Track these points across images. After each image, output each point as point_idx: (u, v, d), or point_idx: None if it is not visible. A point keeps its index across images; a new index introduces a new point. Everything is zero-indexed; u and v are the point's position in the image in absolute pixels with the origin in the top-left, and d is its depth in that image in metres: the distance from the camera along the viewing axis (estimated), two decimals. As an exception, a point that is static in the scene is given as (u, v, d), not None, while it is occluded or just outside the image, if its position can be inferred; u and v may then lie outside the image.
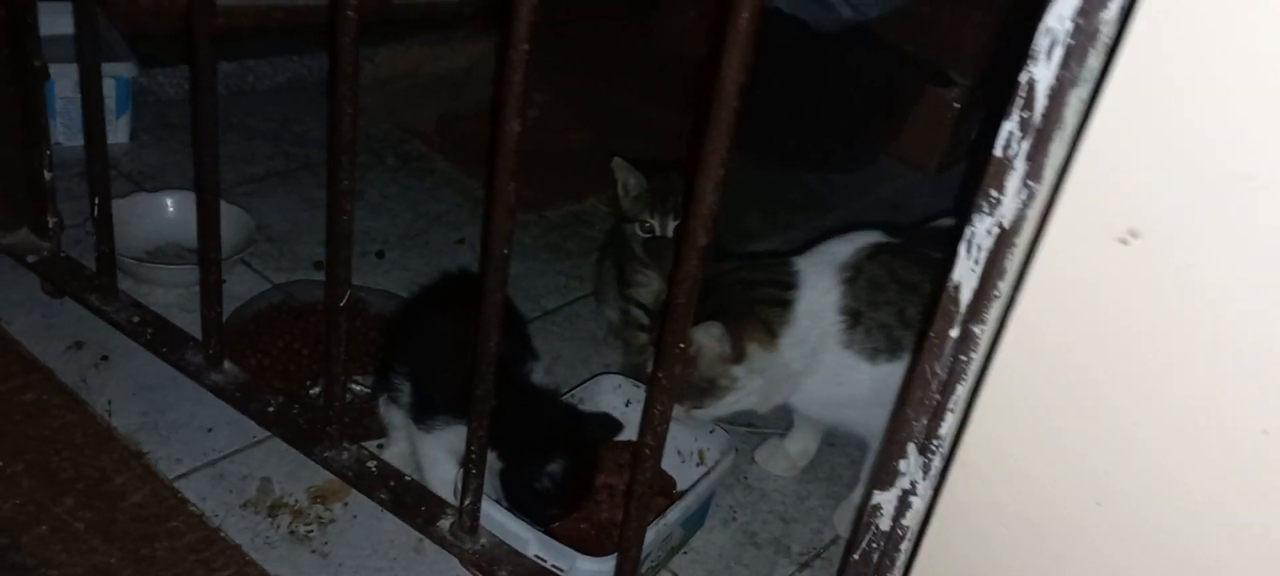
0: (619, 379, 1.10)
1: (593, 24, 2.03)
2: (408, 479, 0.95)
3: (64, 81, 1.36)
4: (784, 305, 0.97)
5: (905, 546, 0.66)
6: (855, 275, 0.97)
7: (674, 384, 0.78)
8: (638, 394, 1.08)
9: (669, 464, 1.06)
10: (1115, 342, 0.53)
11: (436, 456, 0.96)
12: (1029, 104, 0.54)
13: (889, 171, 1.88)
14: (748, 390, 0.96)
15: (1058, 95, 0.53)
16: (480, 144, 1.67)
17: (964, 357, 0.60)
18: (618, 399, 1.09)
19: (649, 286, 1.20)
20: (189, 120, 1.58)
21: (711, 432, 1.05)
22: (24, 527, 0.91)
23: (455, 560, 0.94)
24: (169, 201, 1.29)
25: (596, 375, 1.11)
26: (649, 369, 1.20)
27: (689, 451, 1.07)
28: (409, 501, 0.93)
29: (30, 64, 1.06)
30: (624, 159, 1.19)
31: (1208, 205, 0.47)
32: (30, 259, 1.13)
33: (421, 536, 0.94)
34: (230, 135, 1.56)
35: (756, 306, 0.97)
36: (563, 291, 1.38)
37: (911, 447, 0.64)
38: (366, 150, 1.60)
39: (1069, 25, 0.51)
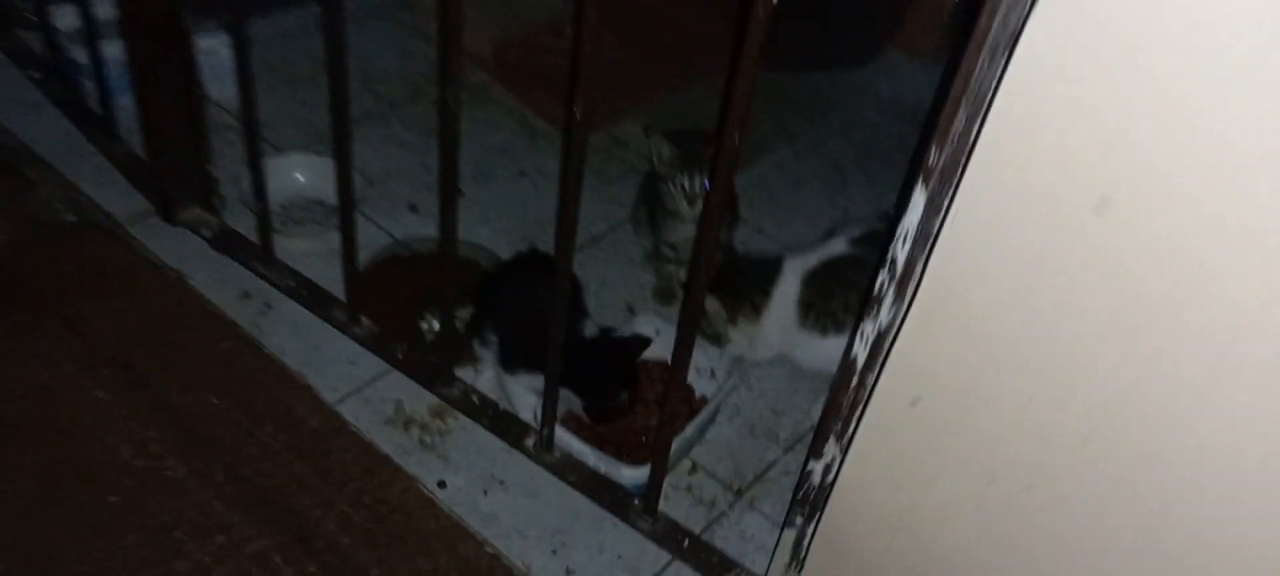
0: (650, 317, 1.46)
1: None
2: (502, 408, 1.33)
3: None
4: (766, 294, 1.33)
5: (829, 493, 1.03)
6: (811, 278, 1.33)
7: (693, 332, 1.11)
8: (665, 325, 1.44)
9: (690, 377, 1.43)
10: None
11: (519, 391, 1.34)
12: (892, 267, 0.86)
13: (890, 64, 2.13)
14: (740, 344, 1.35)
15: (910, 263, 0.85)
16: (532, 70, 1.96)
17: (860, 394, 0.95)
18: (649, 329, 1.44)
19: (677, 230, 1.54)
20: (294, 61, 1.88)
21: (721, 356, 1.42)
22: (241, 449, 1.31)
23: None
24: (295, 163, 1.63)
25: (633, 313, 1.47)
26: (676, 294, 1.56)
27: (706, 368, 1.44)
28: (503, 425, 1.32)
29: (194, 93, 1.38)
30: (660, 133, 1.49)
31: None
32: (205, 232, 1.49)
33: (512, 447, 1.33)
34: (322, 76, 1.86)
35: (751, 292, 1.34)
36: (607, 217, 1.71)
37: (831, 438, 1.00)
38: (435, 83, 1.90)
39: (914, 227, 0.83)
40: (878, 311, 0.88)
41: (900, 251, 0.84)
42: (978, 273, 0.76)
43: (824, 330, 1.36)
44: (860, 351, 0.92)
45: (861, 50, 2.12)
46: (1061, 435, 0.78)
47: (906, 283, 0.85)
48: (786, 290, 1.39)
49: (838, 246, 1.39)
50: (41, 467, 1.26)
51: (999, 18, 0.69)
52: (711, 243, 1.02)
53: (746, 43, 0.87)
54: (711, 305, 1.37)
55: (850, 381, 0.94)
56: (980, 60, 0.72)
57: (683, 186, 1.46)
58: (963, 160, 0.76)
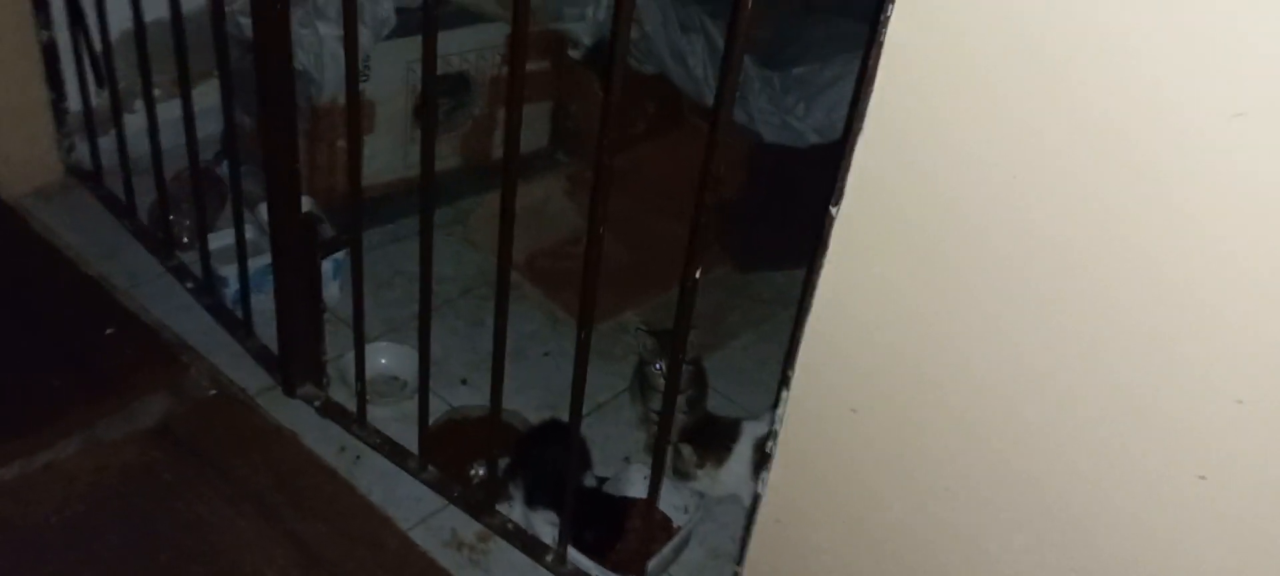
0: (641, 466, 1.97)
1: (633, 152, 2.84)
2: (530, 534, 1.84)
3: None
4: (728, 449, 1.85)
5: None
6: (759, 443, 1.84)
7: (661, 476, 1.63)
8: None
9: (670, 511, 1.93)
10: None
11: (539, 522, 1.85)
12: (775, 438, 1.37)
13: (838, 264, 2.68)
14: (704, 484, 1.86)
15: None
16: (557, 274, 2.52)
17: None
18: (639, 476, 1.95)
19: (660, 401, 2.06)
20: (376, 268, 2.44)
21: (692, 495, 1.93)
22: (342, 564, 1.82)
23: (555, 573, 1.84)
24: (380, 350, 2.18)
25: (628, 463, 1.99)
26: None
27: (680, 505, 1.94)
28: (531, 547, 1.83)
29: (317, 308, 1.94)
30: (643, 327, 2.04)
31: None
32: (315, 403, 2.03)
33: (536, 563, 1.83)
34: (397, 279, 2.44)
35: (717, 446, 1.86)
36: (610, 388, 2.24)
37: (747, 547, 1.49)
38: (483, 283, 2.46)
39: (782, 417, 1.35)
40: (770, 467, 1.40)
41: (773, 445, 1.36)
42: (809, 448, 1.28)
43: None
44: (763, 491, 1.43)
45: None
46: (883, 542, 1.28)
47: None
48: (743, 450, 1.91)
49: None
50: None
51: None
52: (672, 404, 1.55)
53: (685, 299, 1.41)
54: (686, 451, 1.89)
55: (757, 508, 1.45)
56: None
57: (660, 369, 1.99)
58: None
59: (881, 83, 1.01)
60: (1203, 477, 0.92)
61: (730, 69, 1.28)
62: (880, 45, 0.99)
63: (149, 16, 2.13)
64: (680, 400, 2.08)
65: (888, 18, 0.98)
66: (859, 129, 1.07)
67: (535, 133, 2.78)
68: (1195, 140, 0.84)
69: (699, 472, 1.89)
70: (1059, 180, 0.93)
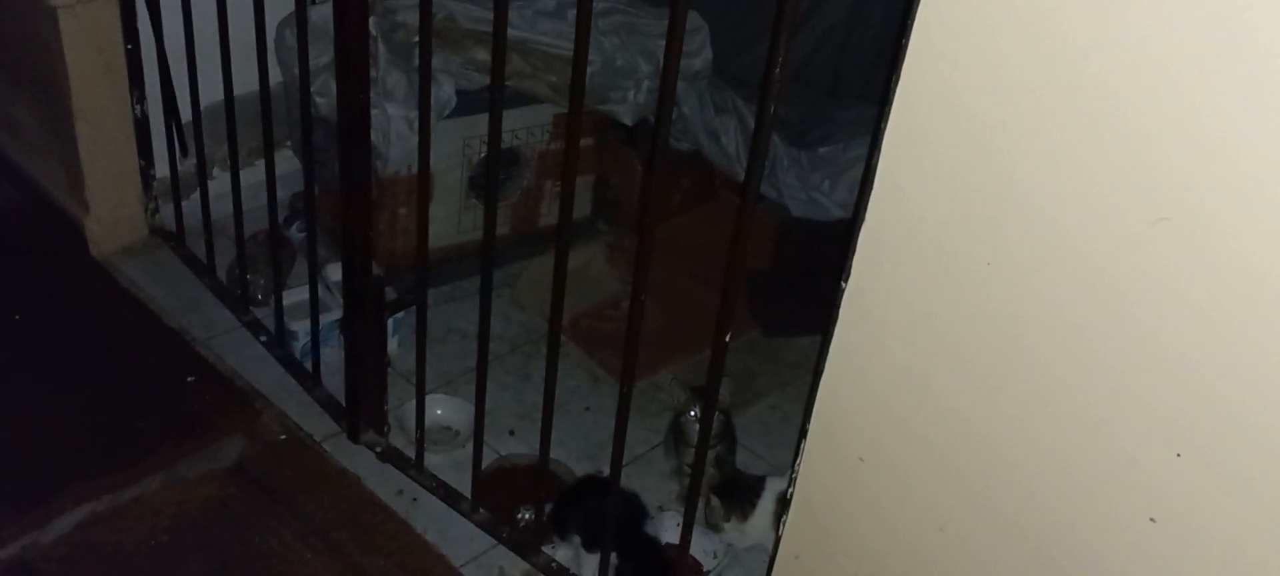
0: (674, 514, 2.14)
1: (669, 223, 3.04)
2: (573, 573, 2.01)
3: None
4: (753, 504, 2.02)
5: None
6: (782, 497, 2.01)
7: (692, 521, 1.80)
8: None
9: (701, 556, 2.09)
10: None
11: (589, 563, 2.02)
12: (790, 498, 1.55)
13: (859, 330, 2.86)
14: (731, 535, 2.03)
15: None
16: (598, 334, 2.71)
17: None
18: (671, 523, 2.12)
19: (692, 453, 2.24)
20: (431, 326, 2.65)
21: (721, 542, 2.10)
22: (400, 595, 2.00)
23: (594, 610, 2.00)
24: (436, 401, 2.37)
25: (662, 511, 2.16)
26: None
27: (710, 551, 2.10)
28: (572, 583, 2.00)
29: (382, 362, 2.15)
30: (678, 382, 2.23)
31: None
32: (376, 449, 2.23)
33: (578, 599, 2.00)
34: (450, 336, 2.64)
35: (742, 501, 2.03)
36: (646, 442, 2.42)
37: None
38: (528, 341, 2.66)
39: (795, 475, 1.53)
40: (790, 509, 1.57)
41: (791, 491, 1.54)
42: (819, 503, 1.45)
43: None
44: (783, 531, 1.60)
45: (838, 320, 2.85)
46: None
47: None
48: (766, 504, 2.08)
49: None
50: (277, 602, 1.96)
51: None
52: (704, 449, 1.72)
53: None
54: (716, 503, 2.07)
55: (778, 546, 1.62)
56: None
57: (695, 415, 2.17)
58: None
59: (884, 170, 1.19)
60: (1152, 520, 1.08)
61: (759, 149, 1.46)
62: (881, 139, 1.18)
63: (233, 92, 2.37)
64: (710, 456, 2.27)
65: (887, 118, 1.17)
66: (863, 215, 1.26)
67: (579, 203, 2.99)
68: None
69: (726, 525, 2.07)
70: (1022, 282, 1.11)
